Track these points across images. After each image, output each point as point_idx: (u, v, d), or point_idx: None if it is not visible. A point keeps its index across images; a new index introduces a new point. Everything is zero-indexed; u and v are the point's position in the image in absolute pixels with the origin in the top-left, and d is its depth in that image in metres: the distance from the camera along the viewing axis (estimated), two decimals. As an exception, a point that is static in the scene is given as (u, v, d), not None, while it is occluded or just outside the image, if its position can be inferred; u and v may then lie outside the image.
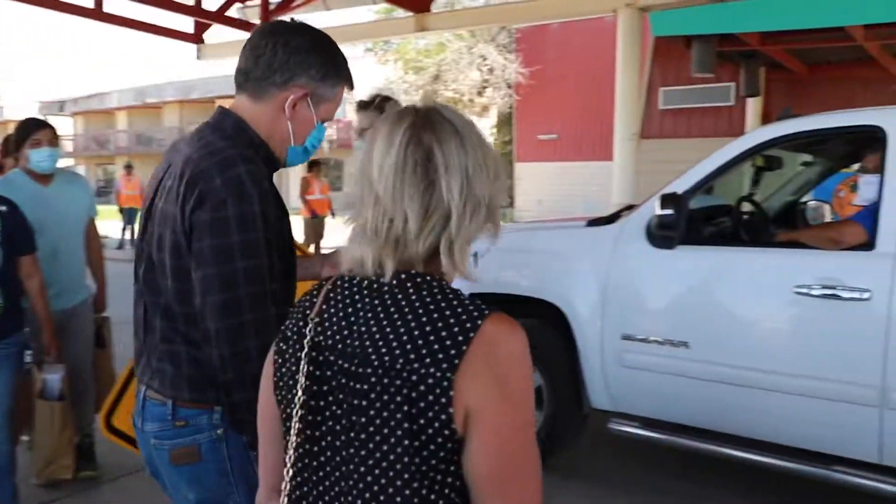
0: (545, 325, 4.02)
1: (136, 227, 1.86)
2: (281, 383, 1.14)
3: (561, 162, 19.07)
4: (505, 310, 1.06)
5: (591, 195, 15.41)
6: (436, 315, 1.02)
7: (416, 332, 1.02)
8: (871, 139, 3.51)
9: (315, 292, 1.16)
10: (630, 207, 4.10)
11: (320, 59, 1.62)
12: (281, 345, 1.16)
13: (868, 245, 3.13)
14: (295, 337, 1.14)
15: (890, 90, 11.80)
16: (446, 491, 1.01)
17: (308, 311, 1.14)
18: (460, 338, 1.00)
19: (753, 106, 12.49)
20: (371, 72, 32.58)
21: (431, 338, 1.01)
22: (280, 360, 1.15)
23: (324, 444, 1.08)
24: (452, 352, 0.99)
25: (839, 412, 3.14)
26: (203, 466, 1.57)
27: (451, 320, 1.01)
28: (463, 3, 27.99)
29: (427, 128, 1.08)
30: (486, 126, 31.80)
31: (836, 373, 3.14)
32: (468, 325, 1.01)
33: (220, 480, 1.58)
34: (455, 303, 1.04)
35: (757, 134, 3.65)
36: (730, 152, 3.56)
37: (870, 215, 3.22)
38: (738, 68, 11.52)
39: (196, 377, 1.55)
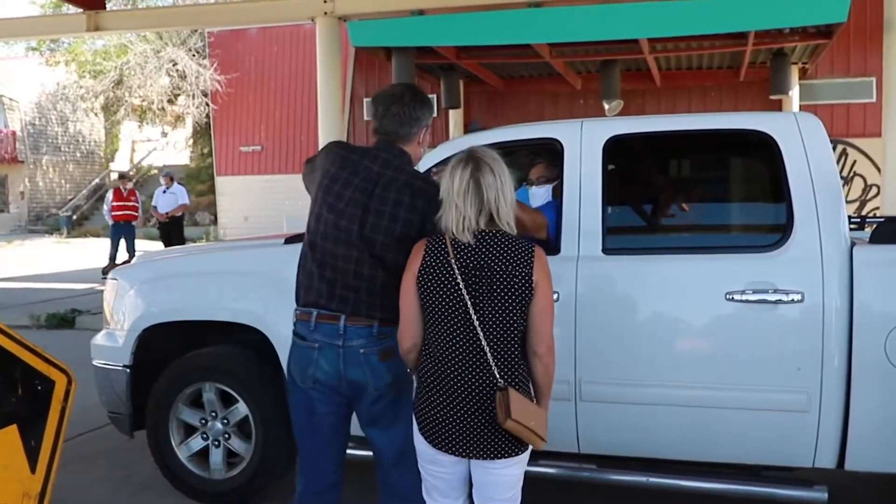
0: (248, 351, 4.01)
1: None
2: (427, 288, 2.53)
3: (266, 175, 18.87)
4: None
5: (298, 210, 15.39)
6: (515, 247, 2.53)
7: (511, 255, 2.51)
8: (551, 151, 3.96)
9: (439, 245, 2.56)
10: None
11: (427, 106, 2.91)
12: (426, 270, 2.54)
13: (554, 250, 3.53)
14: (438, 265, 2.52)
15: (578, 103, 13.40)
16: (524, 321, 2.54)
17: (444, 253, 2.53)
18: (529, 254, 2.53)
19: (455, 117, 13.44)
20: (38, 74, 29.40)
21: (518, 257, 2.51)
22: (428, 276, 2.53)
23: (476, 310, 2.49)
24: (529, 261, 2.52)
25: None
26: (396, 358, 2.76)
27: (523, 247, 2.54)
28: (147, 2, 26.63)
29: (476, 168, 2.52)
30: (182, 137, 30.39)
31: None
32: (530, 250, 2.54)
33: (403, 365, 2.80)
34: (519, 240, 2.56)
35: (444, 148, 3.88)
36: (421, 167, 3.78)
37: (552, 210, 3.64)
38: (439, 80, 12.26)
39: (388, 305, 2.74)
